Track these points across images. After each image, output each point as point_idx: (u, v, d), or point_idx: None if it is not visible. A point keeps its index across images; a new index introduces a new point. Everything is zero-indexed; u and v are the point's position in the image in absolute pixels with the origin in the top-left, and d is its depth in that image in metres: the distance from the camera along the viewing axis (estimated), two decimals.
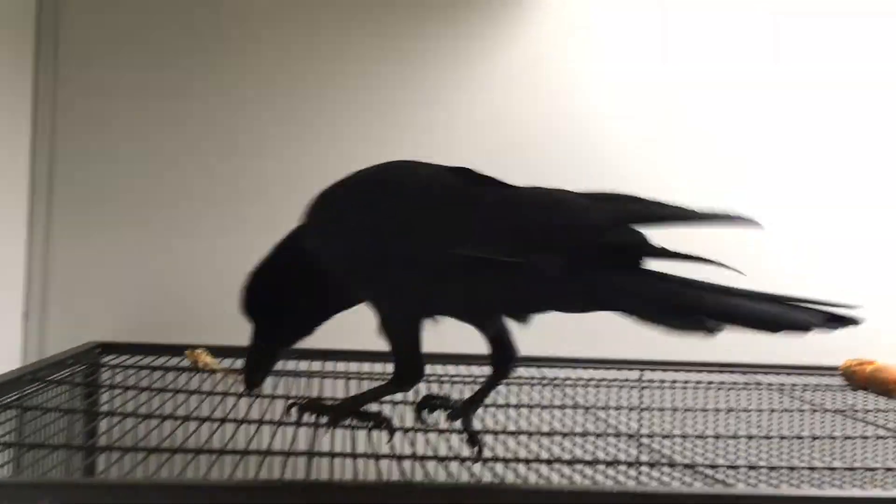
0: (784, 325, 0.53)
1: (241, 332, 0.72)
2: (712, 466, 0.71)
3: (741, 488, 0.67)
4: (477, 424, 0.82)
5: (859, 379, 1.05)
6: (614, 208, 0.59)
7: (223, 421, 0.82)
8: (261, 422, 0.82)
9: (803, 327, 0.52)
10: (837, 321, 0.53)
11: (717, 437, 0.84)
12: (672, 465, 0.72)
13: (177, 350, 1.07)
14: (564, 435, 0.83)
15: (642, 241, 0.57)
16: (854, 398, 1.02)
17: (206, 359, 1.03)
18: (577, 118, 1.29)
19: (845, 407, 0.98)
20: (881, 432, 0.88)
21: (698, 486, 0.67)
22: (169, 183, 1.22)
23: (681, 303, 0.54)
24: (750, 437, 0.84)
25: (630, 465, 0.73)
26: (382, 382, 0.67)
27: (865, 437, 0.87)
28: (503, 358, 0.67)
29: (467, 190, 0.62)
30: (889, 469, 0.76)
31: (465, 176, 0.64)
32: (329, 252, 0.66)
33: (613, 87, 1.30)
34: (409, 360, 0.65)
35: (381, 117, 1.26)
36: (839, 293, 0.58)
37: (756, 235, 1.15)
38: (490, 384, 0.69)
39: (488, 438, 0.82)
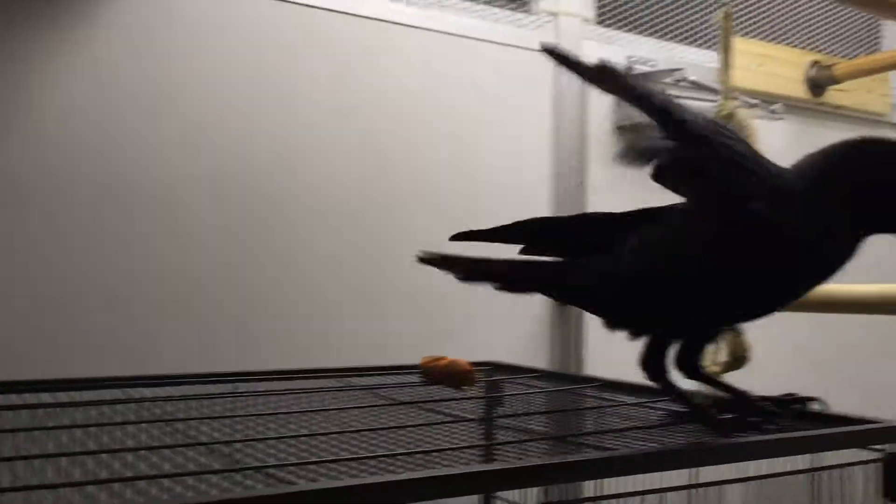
0: None
1: None
2: (279, 466, 0.71)
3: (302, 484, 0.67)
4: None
5: (436, 374, 1.14)
6: None
7: None
8: None
9: None
10: None
11: (298, 436, 0.84)
12: (238, 470, 0.70)
13: None
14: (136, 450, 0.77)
15: None
16: (429, 392, 1.11)
17: None
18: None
19: (421, 399, 1.06)
20: (446, 419, 0.96)
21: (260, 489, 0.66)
22: None
23: None
24: (329, 434, 0.86)
25: (195, 474, 0.70)
26: None
27: (435, 424, 0.95)
28: None
29: None
30: (454, 449, 0.83)
31: None
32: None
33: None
34: None
35: None
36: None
37: None
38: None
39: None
